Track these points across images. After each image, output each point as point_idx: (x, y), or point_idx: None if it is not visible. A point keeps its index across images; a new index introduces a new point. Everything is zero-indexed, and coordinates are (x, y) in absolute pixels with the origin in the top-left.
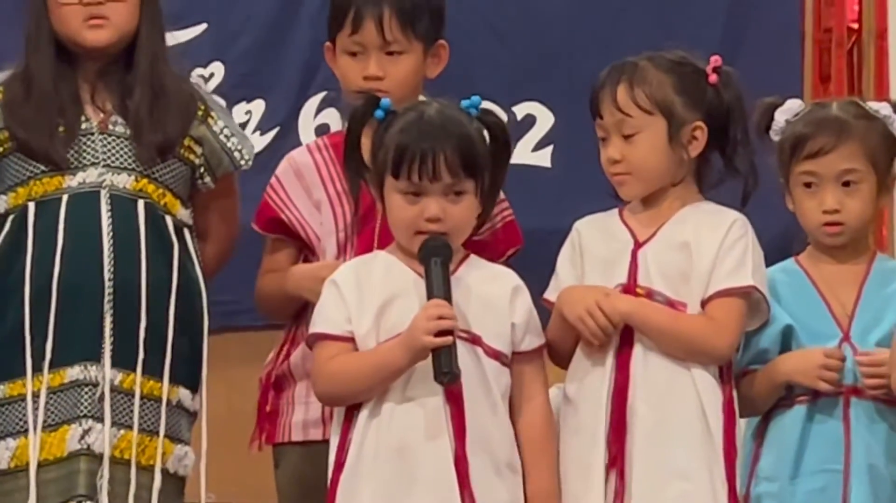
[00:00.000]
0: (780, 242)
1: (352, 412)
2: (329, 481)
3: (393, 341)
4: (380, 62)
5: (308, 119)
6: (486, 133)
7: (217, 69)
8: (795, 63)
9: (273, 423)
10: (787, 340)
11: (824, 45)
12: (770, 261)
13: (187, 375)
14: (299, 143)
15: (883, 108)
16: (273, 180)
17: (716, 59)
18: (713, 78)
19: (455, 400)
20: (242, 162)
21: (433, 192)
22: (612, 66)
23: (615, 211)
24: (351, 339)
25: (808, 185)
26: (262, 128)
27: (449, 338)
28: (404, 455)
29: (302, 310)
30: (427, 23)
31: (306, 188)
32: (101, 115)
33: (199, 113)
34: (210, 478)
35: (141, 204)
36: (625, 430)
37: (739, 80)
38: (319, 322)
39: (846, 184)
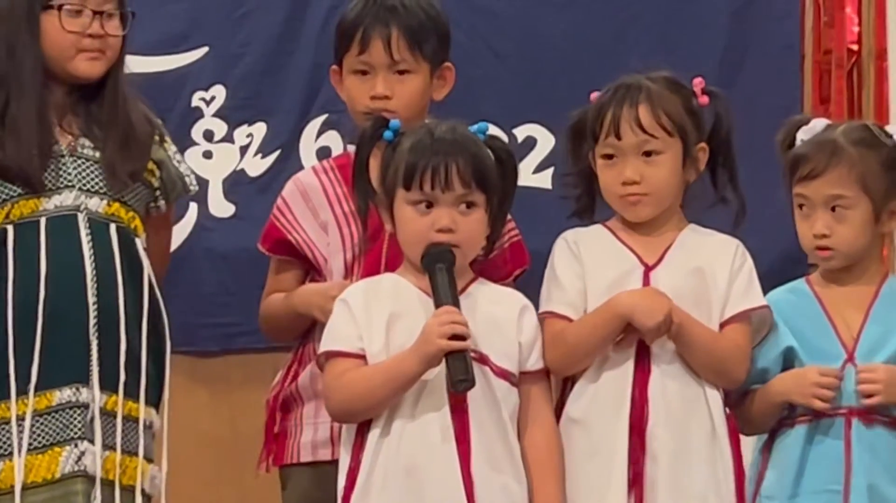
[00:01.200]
0: (780, 264)
1: (363, 432)
2: (340, 500)
3: (405, 351)
4: (387, 82)
5: (309, 142)
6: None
7: (218, 92)
8: (795, 84)
9: (281, 445)
10: (788, 361)
11: (824, 66)
12: (771, 283)
13: (156, 397)
14: (301, 166)
15: None
16: (279, 202)
17: (699, 81)
18: (704, 99)
19: (463, 419)
20: (192, 187)
21: (444, 202)
22: (616, 86)
23: (602, 228)
24: (363, 357)
25: (801, 206)
26: (264, 150)
27: (463, 343)
28: (414, 475)
29: (309, 330)
30: (434, 44)
31: (313, 209)
32: (69, 137)
33: (156, 136)
34: (214, 500)
35: (113, 227)
36: (644, 453)
37: (728, 100)
38: (331, 340)
39: (836, 209)
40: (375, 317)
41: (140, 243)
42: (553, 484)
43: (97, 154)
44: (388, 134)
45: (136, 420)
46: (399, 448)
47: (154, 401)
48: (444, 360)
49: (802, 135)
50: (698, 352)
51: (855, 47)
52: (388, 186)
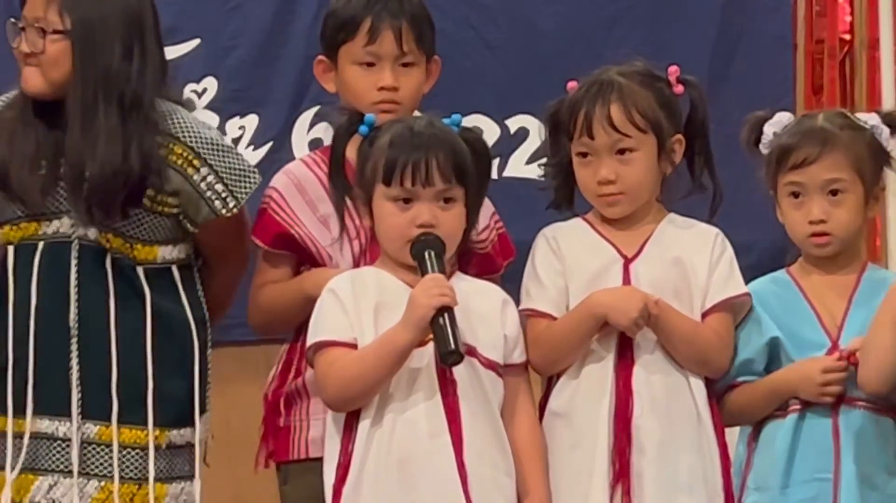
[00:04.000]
0: (770, 255)
1: (351, 425)
2: (332, 494)
3: (393, 325)
4: (395, 73)
5: (301, 133)
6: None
7: (210, 84)
8: (788, 74)
9: (283, 440)
10: (773, 352)
11: (816, 56)
12: (759, 275)
13: (178, 415)
14: (293, 158)
15: (871, 119)
16: (273, 194)
17: (674, 70)
18: (679, 89)
19: (454, 410)
20: (224, 211)
21: (425, 197)
22: (589, 82)
23: (581, 222)
24: (354, 346)
25: (794, 195)
26: (256, 142)
27: (449, 299)
28: (407, 467)
29: (306, 323)
30: (430, 36)
31: (310, 203)
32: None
33: (178, 161)
34: (207, 497)
35: (109, 257)
36: (629, 445)
37: (705, 89)
38: (322, 330)
39: (832, 193)
40: (363, 307)
41: (141, 270)
42: (540, 474)
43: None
44: (363, 129)
45: (145, 447)
46: (391, 440)
47: (177, 420)
48: (432, 343)
49: (771, 128)
50: (679, 342)
51: (847, 37)
52: (366, 182)
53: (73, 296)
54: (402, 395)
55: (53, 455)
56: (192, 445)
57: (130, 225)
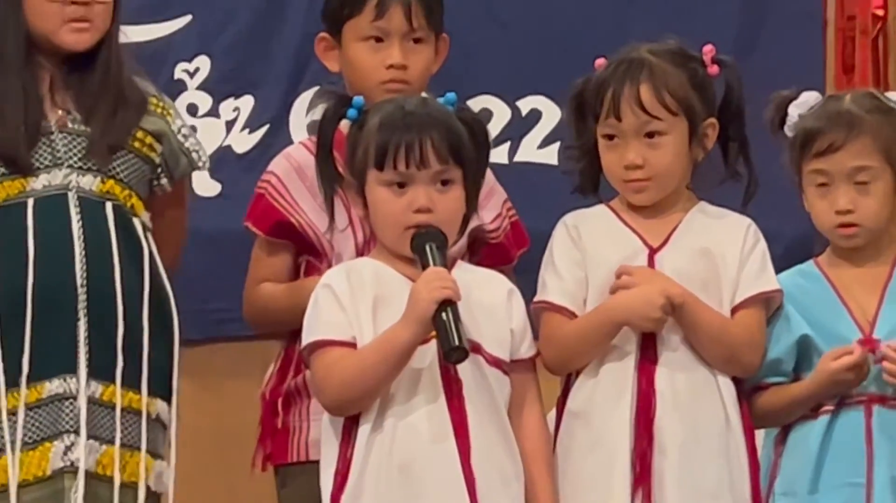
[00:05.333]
0: (798, 246)
1: (350, 428)
2: (329, 500)
3: (394, 324)
4: (404, 50)
5: (300, 115)
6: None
7: (202, 63)
8: (818, 53)
9: (282, 442)
10: (803, 350)
11: (848, 33)
12: (788, 267)
13: (163, 387)
14: (290, 142)
15: None
16: (272, 179)
17: (709, 49)
18: (714, 69)
19: (460, 412)
20: (200, 163)
21: (421, 180)
22: (617, 61)
23: (605, 209)
24: (354, 345)
25: (820, 184)
26: (251, 125)
27: (452, 292)
28: (409, 473)
29: None
30: (439, 12)
31: (311, 189)
32: (59, 112)
33: (157, 109)
34: (199, 498)
35: (109, 206)
36: (651, 448)
37: (739, 69)
38: (318, 328)
39: (859, 182)
40: (361, 303)
41: (139, 223)
42: (548, 476)
43: (89, 129)
44: (351, 112)
45: (139, 412)
46: (393, 445)
47: (162, 392)
48: (435, 341)
49: (796, 110)
50: (705, 338)
51: (880, 13)
52: (357, 168)
53: (79, 249)
54: (404, 397)
55: (65, 415)
56: (166, 426)
57: (123, 168)
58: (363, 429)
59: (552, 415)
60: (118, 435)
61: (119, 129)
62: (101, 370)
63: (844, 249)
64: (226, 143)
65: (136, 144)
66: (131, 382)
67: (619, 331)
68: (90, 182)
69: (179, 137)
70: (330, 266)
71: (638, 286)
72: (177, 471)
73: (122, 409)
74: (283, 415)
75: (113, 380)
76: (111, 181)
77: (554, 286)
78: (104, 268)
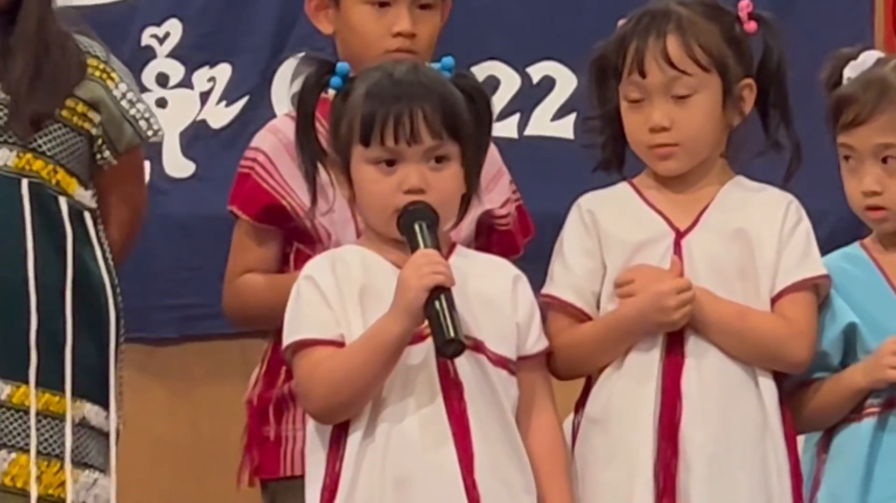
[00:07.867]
0: (846, 227)
1: (338, 438)
2: None
3: (382, 316)
4: (412, 16)
5: (283, 86)
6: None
7: (174, 28)
8: (864, 13)
9: (273, 453)
10: (849, 341)
11: None
12: (833, 250)
13: (94, 389)
14: (273, 115)
15: None
16: (260, 157)
17: (746, 4)
18: (751, 26)
19: (460, 418)
20: (150, 132)
21: (412, 157)
22: (641, 13)
23: (626, 187)
24: (342, 344)
25: (847, 158)
26: (229, 97)
27: (444, 278)
28: (405, 487)
29: None
30: None
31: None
32: None
33: (96, 73)
34: None
35: (25, 184)
36: (676, 459)
37: (782, 29)
38: (302, 326)
39: (887, 160)
40: (348, 296)
41: (66, 202)
42: (563, 487)
43: (8, 98)
44: (335, 80)
45: (61, 416)
46: (386, 455)
47: (93, 394)
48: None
49: (850, 72)
50: (720, 334)
51: None
52: (341, 144)
53: None
54: (398, 401)
55: None
56: (107, 434)
57: (49, 141)
58: (353, 439)
59: (568, 422)
60: (34, 442)
61: (43, 96)
62: (10, 369)
63: (890, 233)
64: (200, 118)
65: (65, 114)
66: (50, 382)
67: (638, 339)
68: (5, 156)
69: (123, 104)
70: None
71: (643, 292)
72: (151, 487)
73: (38, 413)
74: (274, 424)
75: (25, 380)
76: (29, 155)
77: (561, 278)
78: (14, 255)
